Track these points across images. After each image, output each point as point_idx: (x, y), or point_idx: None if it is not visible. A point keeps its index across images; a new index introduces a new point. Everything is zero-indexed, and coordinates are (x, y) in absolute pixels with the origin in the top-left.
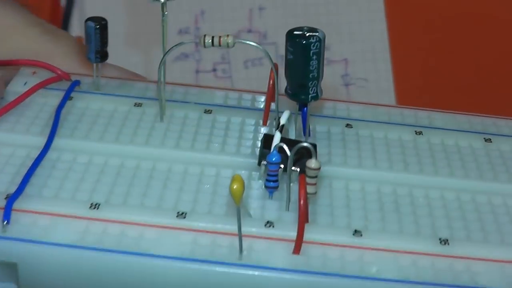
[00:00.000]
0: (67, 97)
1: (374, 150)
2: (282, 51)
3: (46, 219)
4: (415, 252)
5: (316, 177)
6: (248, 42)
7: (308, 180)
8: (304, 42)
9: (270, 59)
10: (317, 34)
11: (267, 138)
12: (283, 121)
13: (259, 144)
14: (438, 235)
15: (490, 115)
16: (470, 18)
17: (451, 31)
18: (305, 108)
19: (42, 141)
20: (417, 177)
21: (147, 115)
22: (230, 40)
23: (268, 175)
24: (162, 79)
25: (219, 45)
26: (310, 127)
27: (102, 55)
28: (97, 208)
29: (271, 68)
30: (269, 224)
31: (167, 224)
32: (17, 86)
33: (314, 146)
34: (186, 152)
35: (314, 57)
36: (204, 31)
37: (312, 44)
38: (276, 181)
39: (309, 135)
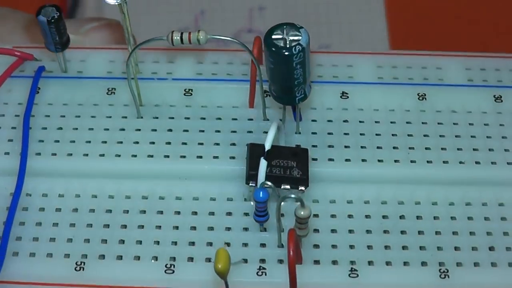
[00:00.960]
0: (33, 97)
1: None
2: None
3: None
4: None
5: (307, 222)
6: (223, 37)
7: (298, 225)
8: (286, 53)
9: (250, 52)
10: (299, 39)
11: (254, 152)
12: (267, 145)
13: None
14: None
15: None
16: (472, 18)
17: (452, 32)
18: (294, 113)
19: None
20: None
21: (122, 109)
22: (201, 36)
23: (257, 210)
24: (131, 76)
25: (189, 42)
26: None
27: (63, 44)
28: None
29: (252, 60)
30: (261, 271)
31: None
32: None
33: (306, 151)
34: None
35: (298, 66)
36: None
37: (295, 56)
38: (265, 215)
39: (300, 119)
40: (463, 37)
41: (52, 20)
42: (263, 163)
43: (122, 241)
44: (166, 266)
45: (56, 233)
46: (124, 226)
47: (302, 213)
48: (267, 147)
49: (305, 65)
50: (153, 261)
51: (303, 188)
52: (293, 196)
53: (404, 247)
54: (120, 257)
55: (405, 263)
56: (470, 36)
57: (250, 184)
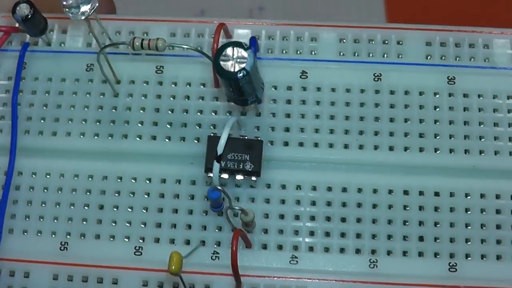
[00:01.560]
0: (19, 77)
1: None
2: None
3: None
4: None
5: (251, 223)
6: (181, 45)
7: (244, 226)
8: (232, 78)
9: (208, 56)
10: (245, 63)
11: (212, 145)
12: (219, 150)
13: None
14: None
15: None
16: (471, 18)
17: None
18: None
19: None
20: None
21: (99, 86)
22: (160, 43)
23: (211, 205)
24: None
25: (148, 48)
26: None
27: (41, 30)
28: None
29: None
30: (215, 256)
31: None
32: None
33: (261, 143)
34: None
35: (246, 85)
36: None
37: (241, 80)
38: (219, 207)
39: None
40: None
41: (27, 18)
42: (215, 166)
43: (99, 221)
44: (135, 248)
45: (44, 212)
46: (101, 207)
47: (245, 219)
48: (219, 151)
49: (253, 82)
50: (125, 240)
51: (254, 178)
52: (236, 208)
53: (342, 234)
54: (98, 236)
55: (341, 250)
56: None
57: (208, 175)
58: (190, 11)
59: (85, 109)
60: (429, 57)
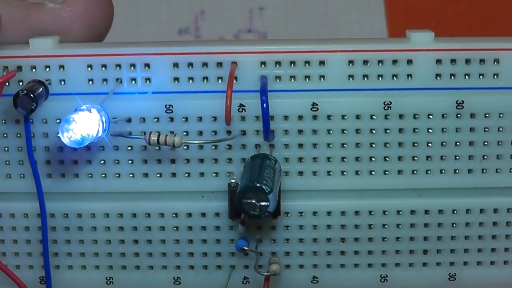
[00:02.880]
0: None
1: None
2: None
3: None
4: None
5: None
6: (194, 142)
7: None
8: (256, 216)
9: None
10: (267, 206)
11: (234, 194)
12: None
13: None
14: None
15: None
16: (471, 18)
17: (452, 32)
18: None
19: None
20: None
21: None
22: (177, 140)
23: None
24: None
25: (165, 144)
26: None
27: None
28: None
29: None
30: (246, 280)
31: None
32: None
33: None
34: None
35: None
36: (204, 31)
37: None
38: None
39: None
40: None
41: (32, 110)
42: (240, 229)
43: (136, 254)
44: (174, 278)
45: (84, 249)
46: (136, 241)
47: (275, 274)
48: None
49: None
50: (163, 269)
51: (275, 218)
52: (266, 273)
53: (356, 252)
54: (138, 267)
55: (355, 265)
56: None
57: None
58: (190, 11)
59: (101, 149)
60: (438, 77)
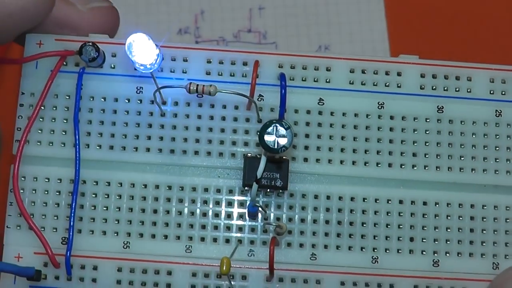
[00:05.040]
0: (79, 99)
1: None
2: (281, 50)
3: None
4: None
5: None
6: (228, 91)
7: (277, 234)
8: (274, 152)
9: (248, 97)
10: (285, 142)
11: (249, 164)
12: (259, 175)
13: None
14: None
15: None
16: (470, 18)
17: (452, 30)
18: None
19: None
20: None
21: (148, 106)
22: (212, 89)
23: (248, 215)
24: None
25: (203, 93)
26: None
27: (101, 64)
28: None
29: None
30: (251, 253)
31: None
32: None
33: (287, 162)
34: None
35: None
36: (204, 31)
37: (280, 150)
38: (255, 215)
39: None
40: (463, 36)
41: (93, 59)
42: (254, 187)
43: (154, 223)
44: (185, 246)
45: (107, 215)
46: (155, 211)
47: (280, 231)
48: (259, 176)
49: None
50: (177, 239)
51: (283, 191)
52: (273, 224)
53: (350, 235)
54: (154, 236)
55: (350, 248)
56: (470, 36)
57: (245, 188)
58: (190, 11)
59: (136, 126)
60: (422, 87)
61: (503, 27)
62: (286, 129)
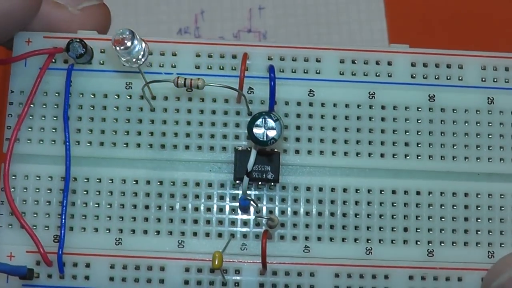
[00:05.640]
0: (67, 97)
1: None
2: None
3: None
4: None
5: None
6: (216, 84)
7: (269, 227)
8: (264, 144)
9: (238, 91)
10: (274, 134)
11: (239, 157)
12: (249, 168)
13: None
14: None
15: None
16: (471, 18)
17: (451, 32)
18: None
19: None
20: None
21: (138, 101)
22: (200, 83)
23: (241, 209)
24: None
25: (190, 86)
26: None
27: (89, 60)
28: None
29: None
30: (243, 247)
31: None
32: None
33: (278, 155)
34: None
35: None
36: (204, 31)
37: (269, 142)
38: (247, 209)
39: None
40: (463, 36)
41: (80, 55)
42: (245, 180)
43: (146, 219)
44: (178, 242)
45: (98, 212)
46: (147, 207)
47: (272, 224)
48: (249, 169)
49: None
50: (169, 234)
51: (273, 184)
52: (265, 217)
53: (343, 227)
54: (146, 232)
55: (343, 239)
56: (470, 36)
57: (236, 182)
58: (190, 11)
59: (126, 121)
60: (413, 76)
61: (504, 27)
62: (275, 121)
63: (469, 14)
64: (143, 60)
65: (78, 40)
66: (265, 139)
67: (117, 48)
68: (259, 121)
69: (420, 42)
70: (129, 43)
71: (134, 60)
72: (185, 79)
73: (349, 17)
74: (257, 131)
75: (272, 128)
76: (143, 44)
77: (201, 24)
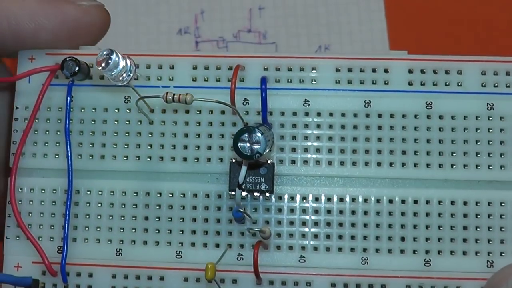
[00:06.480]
0: (69, 112)
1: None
2: (281, 50)
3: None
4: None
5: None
6: (205, 99)
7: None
8: (249, 159)
9: (230, 106)
10: (258, 148)
11: (234, 169)
12: (241, 180)
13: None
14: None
15: None
16: (471, 18)
17: (451, 32)
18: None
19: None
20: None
21: (136, 116)
22: (188, 98)
23: (235, 220)
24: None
25: (179, 101)
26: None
27: (86, 76)
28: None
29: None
30: (240, 257)
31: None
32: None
33: (272, 166)
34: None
35: (257, 156)
36: (204, 31)
37: (254, 156)
38: (241, 220)
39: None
40: (463, 37)
41: (74, 73)
42: (237, 193)
43: (146, 230)
44: (176, 252)
45: (100, 223)
46: (146, 218)
47: (264, 236)
48: (240, 181)
49: (263, 153)
50: (168, 245)
51: (268, 195)
52: (256, 229)
53: (340, 236)
54: (145, 243)
55: (339, 249)
56: (470, 36)
57: (231, 193)
58: (190, 11)
59: (126, 135)
60: (410, 83)
61: (505, 26)
62: (261, 134)
63: (470, 14)
64: (127, 78)
65: (73, 58)
66: (250, 153)
67: (99, 68)
68: (244, 136)
69: (421, 42)
70: (109, 62)
71: (120, 78)
72: (174, 94)
73: (349, 17)
74: (242, 145)
75: (258, 142)
76: (128, 61)
77: (201, 24)
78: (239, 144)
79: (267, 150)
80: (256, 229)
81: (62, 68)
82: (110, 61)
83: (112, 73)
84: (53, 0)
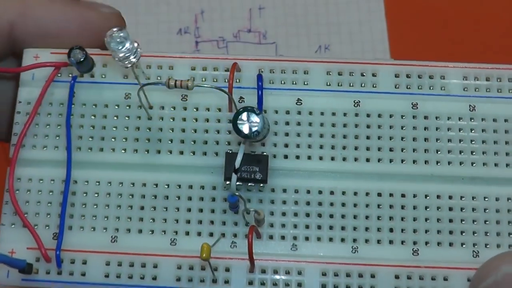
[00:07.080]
0: (71, 104)
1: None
2: (281, 50)
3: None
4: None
5: (263, 220)
6: (204, 85)
7: (256, 222)
8: (246, 135)
9: (226, 92)
10: (257, 126)
11: (230, 160)
12: (237, 165)
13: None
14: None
15: None
16: (471, 18)
17: (451, 32)
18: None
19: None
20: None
21: (136, 110)
22: (189, 83)
23: (230, 206)
24: (143, 101)
25: (181, 87)
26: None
27: (90, 69)
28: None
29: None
30: (233, 245)
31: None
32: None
33: (266, 157)
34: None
35: (255, 134)
36: (204, 31)
37: (254, 138)
38: (236, 208)
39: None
40: (463, 37)
41: (80, 62)
42: (233, 177)
43: (141, 219)
44: (170, 240)
45: (96, 212)
46: (142, 207)
47: (258, 218)
48: (237, 166)
49: (261, 132)
50: (162, 233)
51: (262, 185)
52: (251, 209)
53: (330, 227)
54: (140, 231)
55: (330, 239)
56: (469, 36)
57: (226, 182)
58: (190, 11)
59: (125, 129)
60: (397, 86)
61: (506, 27)
62: (257, 115)
63: (470, 14)
64: (134, 60)
65: (78, 47)
66: (248, 132)
67: (108, 39)
68: (243, 116)
69: (421, 42)
70: (121, 34)
71: (126, 56)
72: (175, 80)
73: (349, 17)
74: (241, 124)
75: (256, 122)
76: (136, 44)
77: (201, 24)
78: (238, 123)
79: (265, 130)
80: (252, 210)
81: (69, 56)
82: (121, 33)
83: (119, 47)
84: (77, 6)
